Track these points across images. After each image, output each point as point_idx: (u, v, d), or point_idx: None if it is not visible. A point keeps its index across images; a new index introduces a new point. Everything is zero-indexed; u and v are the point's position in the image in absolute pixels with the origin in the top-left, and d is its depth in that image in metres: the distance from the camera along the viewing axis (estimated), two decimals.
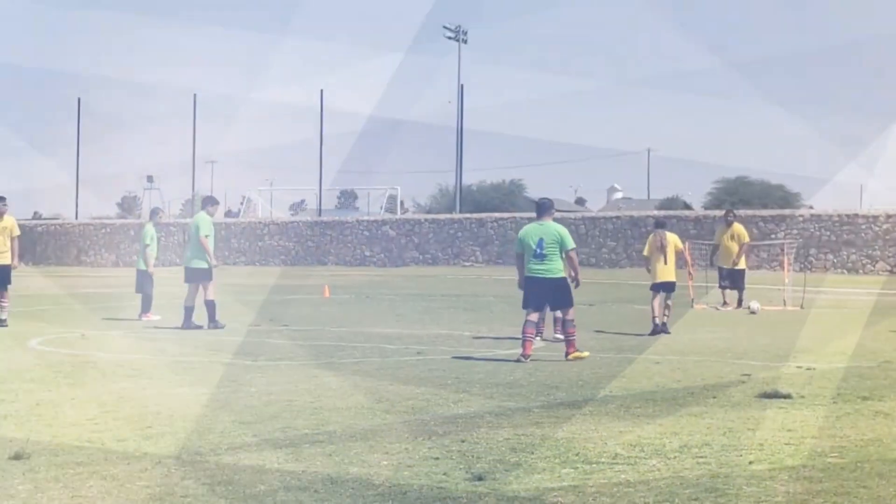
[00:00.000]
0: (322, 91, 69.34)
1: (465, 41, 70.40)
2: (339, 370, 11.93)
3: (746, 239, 24.07)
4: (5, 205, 17.59)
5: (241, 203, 75.28)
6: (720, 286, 23.69)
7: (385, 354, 13.65)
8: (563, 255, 13.12)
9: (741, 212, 50.31)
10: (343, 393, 10.17)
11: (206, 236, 17.50)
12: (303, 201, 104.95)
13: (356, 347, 14.49)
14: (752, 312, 20.94)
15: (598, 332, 16.90)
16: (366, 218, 60.04)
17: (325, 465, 6.96)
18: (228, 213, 73.04)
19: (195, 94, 69.94)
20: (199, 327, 17.15)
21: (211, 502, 6.04)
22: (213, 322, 17.23)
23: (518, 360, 12.74)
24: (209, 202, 18.46)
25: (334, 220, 59.17)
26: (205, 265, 17.49)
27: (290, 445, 7.61)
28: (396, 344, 14.93)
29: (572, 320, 13.14)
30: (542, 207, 13.37)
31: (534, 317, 13.14)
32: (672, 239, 17.24)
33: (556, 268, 13.09)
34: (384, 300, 26.00)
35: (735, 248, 23.61)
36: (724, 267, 23.63)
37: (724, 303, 23.10)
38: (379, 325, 18.29)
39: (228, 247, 59.24)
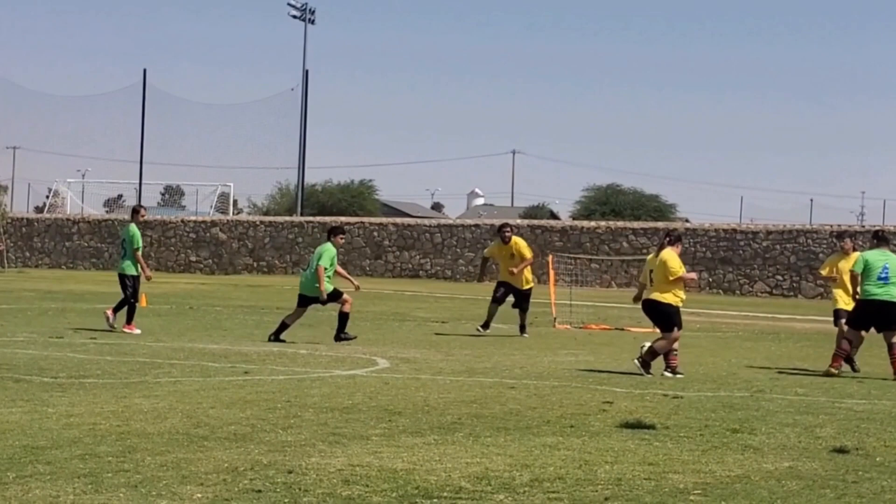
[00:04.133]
0: (145, 71, 68.39)
1: (313, 21, 70.32)
2: (152, 391, 11.78)
3: (529, 255, 21.46)
4: None
5: (48, 196, 73.51)
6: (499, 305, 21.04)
7: (207, 374, 13.51)
8: None
9: (611, 223, 51.47)
10: (156, 416, 10.04)
11: (325, 266, 18.44)
12: (120, 197, 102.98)
13: (174, 365, 14.31)
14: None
15: (448, 354, 17.04)
16: (193, 218, 59.29)
17: (129, 497, 6.86)
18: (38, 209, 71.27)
19: None
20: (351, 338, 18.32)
21: None
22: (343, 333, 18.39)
23: (827, 374, 15.16)
24: (336, 232, 19.15)
25: (156, 220, 58.21)
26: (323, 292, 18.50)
27: (89, 475, 7.47)
28: (221, 362, 14.80)
29: None
30: (884, 239, 16.08)
31: (853, 336, 15.66)
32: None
33: (895, 293, 15.42)
34: (210, 312, 25.71)
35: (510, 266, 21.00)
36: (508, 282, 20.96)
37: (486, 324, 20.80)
38: (202, 340, 18.10)
39: (30, 247, 57.74)
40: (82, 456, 8.11)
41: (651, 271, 15.09)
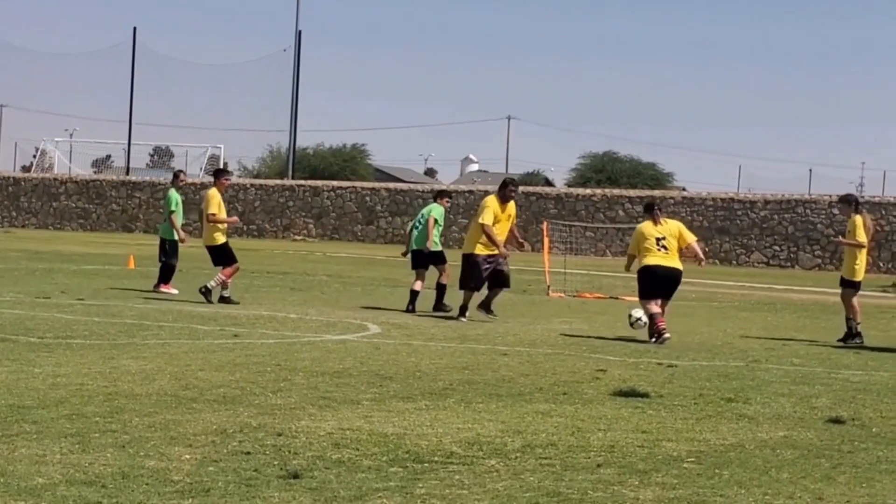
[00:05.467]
0: (135, 29, 68.09)
1: None
2: (140, 352, 11.79)
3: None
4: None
5: (35, 155, 73.32)
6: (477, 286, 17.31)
7: (196, 336, 13.53)
8: None
9: (607, 191, 51.44)
10: (144, 378, 10.05)
11: (435, 219, 18.89)
12: (108, 157, 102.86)
13: (163, 327, 14.33)
14: (633, 325, 15.62)
15: (440, 320, 17.08)
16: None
17: (116, 458, 6.88)
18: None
19: None
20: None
21: None
22: (441, 305, 18.38)
23: None
24: (442, 195, 19.90)
25: (145, 181, 58.17)
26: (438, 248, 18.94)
27: (76, 435, 7.49)
28: (210, 325, 14.82)
29: None
30: None
31: None
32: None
33: None
34: (199, 275, 25.63)
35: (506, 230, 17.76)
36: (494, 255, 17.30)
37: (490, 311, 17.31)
38: (191, 303, 18.11)
39: (17, 206, 57.64)
40: (69, 416, 8.13)
41: (663, 239, 15.05)
